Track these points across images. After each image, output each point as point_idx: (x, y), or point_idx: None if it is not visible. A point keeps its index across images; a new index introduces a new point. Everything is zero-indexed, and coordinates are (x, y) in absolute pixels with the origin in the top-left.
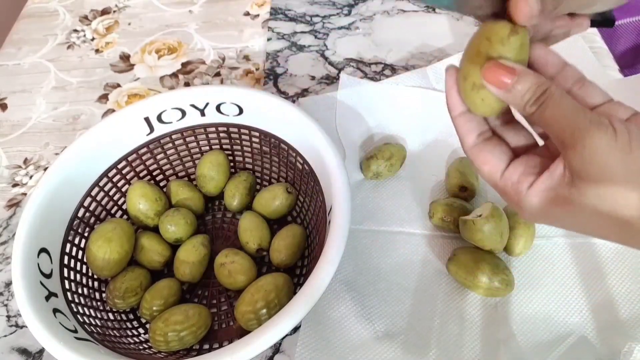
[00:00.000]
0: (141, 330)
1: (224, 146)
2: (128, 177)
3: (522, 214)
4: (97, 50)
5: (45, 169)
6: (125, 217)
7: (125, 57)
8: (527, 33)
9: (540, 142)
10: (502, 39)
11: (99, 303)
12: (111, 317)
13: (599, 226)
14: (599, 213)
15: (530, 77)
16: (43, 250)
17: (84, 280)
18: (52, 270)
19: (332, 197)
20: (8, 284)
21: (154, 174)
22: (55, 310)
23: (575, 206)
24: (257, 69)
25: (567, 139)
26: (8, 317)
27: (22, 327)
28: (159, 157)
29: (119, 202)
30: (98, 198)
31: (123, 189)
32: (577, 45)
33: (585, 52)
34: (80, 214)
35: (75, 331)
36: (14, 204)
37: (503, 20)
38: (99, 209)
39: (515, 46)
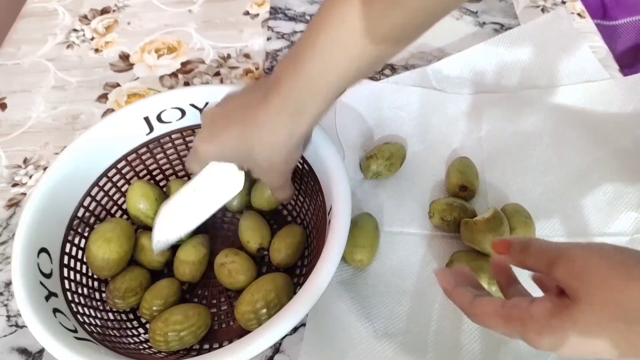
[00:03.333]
0: (141, 330)
1: None
2: (128, 176)
3: (525, 333)
4: (96, 50)
5: (45, 169)
6: (125, 217)
7: (124, 57)
8: None
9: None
10: None
11: (99, 303)
12: (111, 317)
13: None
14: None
15: (515, 238)
16: (43, 250)
17: (84, 280)
18: (52, 270)
19: (332, 197)
20: (8, 284)
21: (154, 173)
22: (55, 310)
23: (568, 318)
24: (256, 69)
25: (555, 258)
26: (8, 317)
27: (22, 327)
28: (158, 156)
29: (119, 202)
30: (98, 198)
31: (123, 189)
32: (577, 45)
33: (585, 52)
34: (80, 214)
35: (75, 331)
36: (14, 204)
37: None
38: (99, 208)
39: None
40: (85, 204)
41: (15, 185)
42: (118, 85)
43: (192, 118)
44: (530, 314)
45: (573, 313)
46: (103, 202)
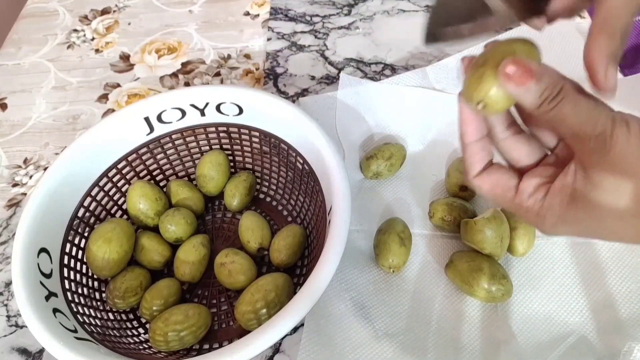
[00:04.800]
0: (141, 330)
1: (224, 146)
2: (128, 177)
3: (542, 226)
4: (97, 50)
5: (45, 169)
6: (125, 217)
7: (125, 57)
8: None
9: (548, 150)
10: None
11: (99, 303)
12: (111, 317)
13: (617, 222)
14: (616, 207)
15: (547, 74)
16: (43, 250)
17: (84, 280)
18: (52, 270)
19: (332, 197)
20: (8, 284)
21: (154, 174)
22: (55, 310)
23: (591, 201)
24: (257, 69)
25: (588, 131)
26: (8, 317)
27: (22, 327)
28: (159, 157)
29: (119, 202)
30: (98, 198)
31: (123, 189)
32: (577, 45)
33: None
34: (80, 214)
35: (75, 331)
36: (14, 204)
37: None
38: (99, 208)
39: (527, 48)
40: (86, 204)
41: (15, 185)
42: (118, 85)
43: (193, 118)
44: (548, 206)
45: (599, 205)
46: (103, 202)
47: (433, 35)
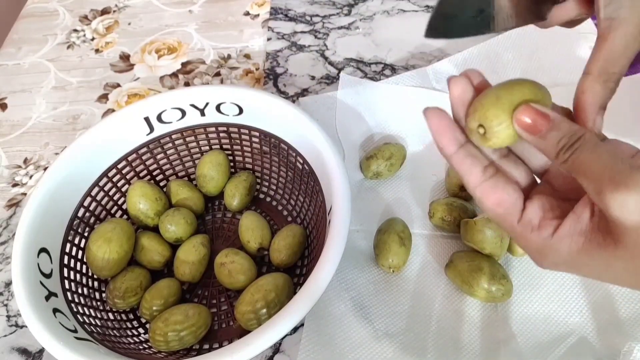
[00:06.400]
0: (141, 330)
1: (224, 146)
2: (128, 177)
3: (543, 261)
4: (97, 50)
5: (45, 169)
6: (125, 217)
7: (125, 57)
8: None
9: (538, 180)
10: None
11: (99, 303)
12: (111, 317)
13: (636, 274)
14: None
15: (565, 123)
16: (43, 250)
17: (84, 280)
18: (52, 270)
19: (332, 197)
20: (8, 284)
21: (154, 173)
22: (55, 310)
23: (610, 253)
24: (257, 69)
25: (605, 183)
26: (8, 317)
27: (22, 327)
28: (159, 157)
29: (119, 202)
30: (98, 198)
31: (123, 189)
32: (577, 45)
33: (585, 52)
34: (80, 214)
35: (75, 331)
36: (14, 204)
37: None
38: (99, 208)
39: (540, 92)
40: (86, 204)
41: (15, 185)
42: (118, 85)
43: (193, 118)
44: (555, 247)
45: (610, 256)
46: (103, 202)
47: (435, 29)
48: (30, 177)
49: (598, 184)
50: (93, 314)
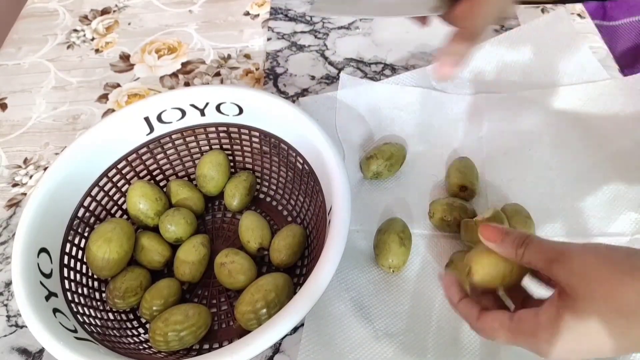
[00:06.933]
0: (141, 330)
1: (224, 146)
2: (128, 177)
3: (539, 344)
4: (97, 50)
5: (45, 169)
6: (125, 217)
7: (125, 57)
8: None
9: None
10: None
11: (99, 303)
12: (111, 317)
13: (600, 334)
14: (594, 317)
15: (514, 230)
16: (43, 250)
17: (84, 280)
18: (52, 270)
19: (332, 197)
20: (8, 284)
21: (154, 173)
22: (55, 310)
23: (578, 309)
24: (257, 69)
25: (555, 257)
26: (8, 317)
27: (22, 327)
28: (159, 157)
29: (119, 202)
30: (98, 198)
31: (123, 189)
32: (577, 46)
33: (585, 53)
34: (80, 214)
35: (75, 331)
36: (14, 204)
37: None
38: (99, 208)
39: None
40: (86, 204)
41: (15, 185)
42: (118, 85)
43: (193, 118)
44: (539, 322)
45: (577, 309)
46: (103, 202)
47: (318, 7)
48: (30, 177)
49: (547, 262)
50: (93, 314)
